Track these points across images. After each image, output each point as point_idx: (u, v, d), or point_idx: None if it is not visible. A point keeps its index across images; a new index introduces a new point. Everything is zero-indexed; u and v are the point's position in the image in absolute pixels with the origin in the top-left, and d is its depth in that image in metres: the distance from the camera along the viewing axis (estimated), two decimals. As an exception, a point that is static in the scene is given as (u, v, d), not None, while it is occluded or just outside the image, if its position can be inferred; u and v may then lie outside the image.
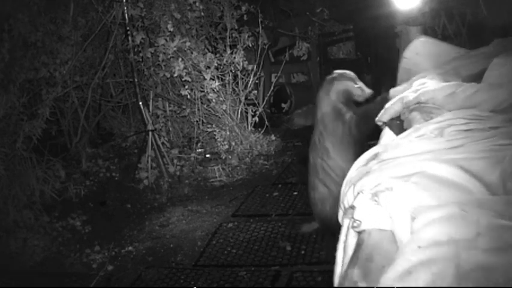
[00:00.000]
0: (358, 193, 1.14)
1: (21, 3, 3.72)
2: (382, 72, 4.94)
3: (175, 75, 4.03)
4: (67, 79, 4.12)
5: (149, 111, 4.22)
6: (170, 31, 4.01)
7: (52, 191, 3.70)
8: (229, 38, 4.52)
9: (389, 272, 0.83)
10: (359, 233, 1.08)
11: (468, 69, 2.28)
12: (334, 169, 2.46)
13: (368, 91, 2.54)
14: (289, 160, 4.39)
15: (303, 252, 2.68)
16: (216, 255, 2.79)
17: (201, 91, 4.27)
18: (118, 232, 3.23)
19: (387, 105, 2.14)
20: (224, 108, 4.43)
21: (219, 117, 4.47)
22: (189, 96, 4.26)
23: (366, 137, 2.44)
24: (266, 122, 4.87)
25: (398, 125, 1.99)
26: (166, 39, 4.00)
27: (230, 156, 4.36)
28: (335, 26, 5.97)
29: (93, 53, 4.39)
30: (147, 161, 3.97)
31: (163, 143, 4.21)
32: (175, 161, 4.21)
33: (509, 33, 2.47)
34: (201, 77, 4.18)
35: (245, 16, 4.55)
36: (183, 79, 4.10)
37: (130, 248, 3.01)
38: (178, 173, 4.12)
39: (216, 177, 4.14)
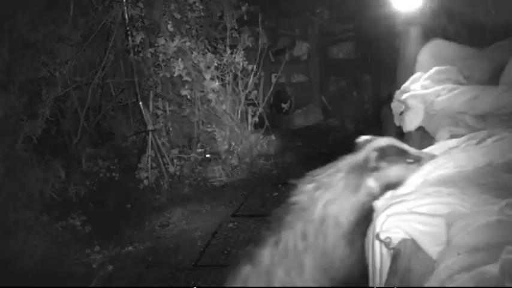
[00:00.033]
0: (388, 217, 1.16)
1: (21, 3, 3.71)
2: (382, 72, 4.93)
3: (175, 75, 4.03)
4: (67, 79, 4.12)
5: (149, 111, 4.22)
6: (170, 31, 4.01)
7: (52, 191, 3.69)
8: (229, 38, 4.52)
9: (432, 280, 0.84)
10: (392, 249, 1.10)
11: (481, 68, 2.29)
12: None
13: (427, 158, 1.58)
14: (289, 160, 4.39)
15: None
16: (216, 255, 2.79)
17: (201, 91, 4.26)
18: (118, 232, 3.23)
19: (411, 116, 2.15)
20: (224, 108, 4.43)
21: (219, 117, 4.47)
22: (189, 96, 4.26)
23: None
24: (266, 122, 4.87)
25: (419, 140, 2.01)
26: (166, 39, 4.00)
27: (230, 156, 4.36)
28: (335, 26, 5.97)
29: (93, 53, 4.39)
30: (147, 161, 3.97)
31: (163, 143, 4.21)
32: (175, 161, 4.21)
33: (510, 34, 2.46)
34: (201, 77, 4.18)
35: (245, 16, 4.55)
36: (183, 79, 4.09)
37: (130, 248, 3.01)
38: (178, 173, 4.12)
39: (216, 177, 4.14)
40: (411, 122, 2.21)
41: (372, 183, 1.50)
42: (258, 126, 4.84)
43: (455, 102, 1.95)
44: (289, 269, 1.52)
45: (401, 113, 2.40)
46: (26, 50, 3.76)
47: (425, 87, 2.26)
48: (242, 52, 4.46)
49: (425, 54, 2.62)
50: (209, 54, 4.23)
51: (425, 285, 0.87)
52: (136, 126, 4.79)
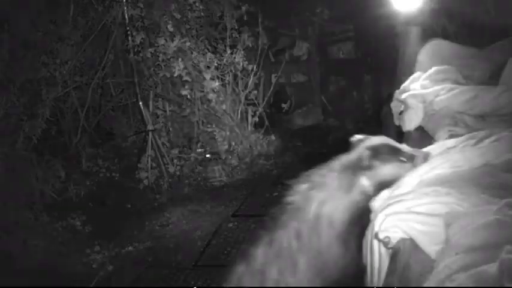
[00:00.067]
0: (386, 216, 1.17)
1: (21, 3, 3.71)
2: (382, 72, 4.93)
3: (175, 75, 4.03)
4: (67, 79, 4.11)
5: (149, 111, 4.22)
6: (170, 31, 4.01)
7: (52, 191, 3.69)
8: (229, 38, 4.52)
9: (431, 280, 0.84)
10: (391, 248, 1.10)
11: (481, 68, 2.29)
12: None
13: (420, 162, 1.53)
14: (289, 160, 4.39)
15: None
16: (216, 255, 2.79)
17: (201, 91, 4.26)
18: (118, 232, 3.23)
19: (411, 115, 2.15)
20: (224, 108, 4.43)
21: (219, 117, 4.47)
22: (189, 96, 4.26)
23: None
24: (266, 122, 4.87)
25: (418, 140, 2.01)
26: (166, 39, 4.00)
27: (230, 156, 4.36)
28: (335, 26, 5.97)
29: (93, 53, 4.39)
30: (147, 161, 3.97)
31: (163, 143, 4.21)
32: (175, 161, 4.21)
33: (509, 34, 2.47)
34: (201, 77, 4.17)
35: (245, 16, 4.54)
36: (183, 79, 4.09)
37: (130, 248, 3.01)
38: (178, 173, 4.12)
39: (216, 177, 4.14)
40: (410, 122, 2.21)
41: (365, 182, 1.51)
42: (258, 126, 4.84)
43: (454, 102, 1.96)
44: (283, 269, 1.52)
45: (400, 113, 2.41)
46: (26, 50, 3.76)
47: (424, 87, 2.27)
48: (242, 52, 4.46)
49: (424, 54, 2.63)
50: (209, 54, 4.23)
51: (424, 285, 0.87)
52: (136, 126, 4.79)
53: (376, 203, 1.37)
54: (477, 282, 0.79)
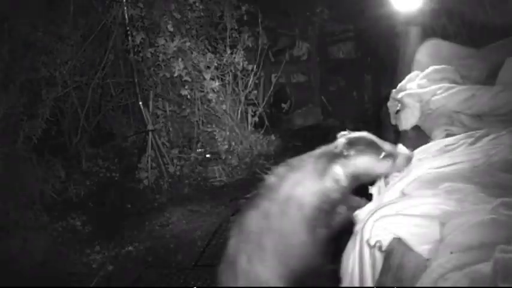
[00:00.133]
0: (375, 222, 1.18)
1: (21, 3, 3.71)
2: (382, 72, 4.93)
3: (175, 75, 4.03)
4: (67, 79, 4.12)
5: (149, 111, 4.22)
6: (170, 31, 4.01)
7: (52, 191, 3.69)
8: (229, 38, 4.52)
9: (425, 279, 0.84)
10: (384, 251, 1.10)
11: (479, 67, 2.29)
12: None
13: (401, 161, 1.51)
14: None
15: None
16: (216, 255, 2.79)
17: (201, 91, 4.26)
18: (118, 232, 3.23)
19: (407, 114, 2.15)
20: (224, 108, 4.43)
21: (219, 117, 4.47)
22: (189, 96, 4.26)
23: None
24: (266, 122, 4.87)
25: (414, 139, 2.00)
26: (166, 39, 4.00)
27: (230, 156, 4.36)
28: (335, 26, 5.97)
29: (93, 53, 4.39)
30: (147, 161, 3.97)
31: (163, 143, 4.21)
32: (175, 161, 4.21)
33: (509, 33, 2.47)
34: (201, 77, 4.18)
35: (245, 16, 4.54)
36: (183, 79, 4.09)
37: (130, 248, 3.01)
38: (178, 173, 4.12)
39: (216, 177, 4.14)
40: (407, 121, 2.21)
41: (338, 169, 1.51)
42: (258, 126, 4.85)
43: (451, 101, 1.95)
44: (251, 254, 1.51)
45: (397, 112, 2.41)
46: (26, 50, 3.76)
47: (421, 86, 2.27)
48: (242, 52, 4.46)
49: (422, 53, 2.63)
50: (209, 54, 4.22)
51: (418, 284, 0.87)
52: (136, 126, 4.79)
53: (360, 214, 1.36)
54: (471, 282, 0.78)
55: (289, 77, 6.23)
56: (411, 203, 1.18)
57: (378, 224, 1.15)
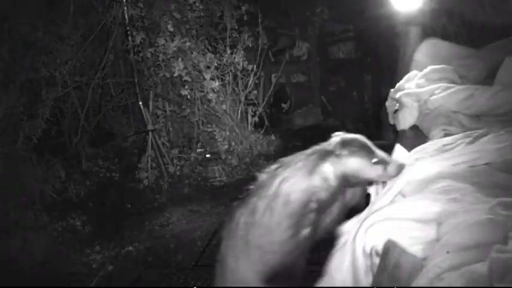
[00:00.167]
0: (366, 230, 1.17)
1: (21, 3, 3.71)
2: (382, 72, 4.93)
3: (175, 75, 4.03)
4: (67, 79, 4.12)
5: (149, 111, 4.22)
6: (170, 31, 4.01)
7: (52, 191, 3.69)
8: (229, 38, 4.52)
9: (420, 278, 0.84)
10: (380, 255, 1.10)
11: (477, 68, 2.29)
12: None
13: (392, 169, 1.48)
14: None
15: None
16: (216, 255, 2.79)
17: (201, 91, 4.27)
18: (118, 232, 3.23)
19: (406, 114, 2.15)
20: (224, 108, 4.43)
21: (219, 117, 4.47)
22: (189, 96, 4.26)
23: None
24: (266, 122, 4.87)
25: (412, 138, 2.00)
26: (166, 39, 4.00)
27: (230, 156, 4.36)
28: (335, 26, 5.97)
29: (93, 53, 4.39)
30: (147, 161, 3.97)
31: (163, 143, 4.21)
32: (175, 161, 4.21)
33: (509, 33, 2.47)
34: (201, 77, 4.18)
35: (245, 16, 4.55)
36: (183, 79, 4.09)
37: (130, 248, 3.01)
38: (178, 173, 4.12)
39: (216, 177, 4.14)
40: (405, 121, 2.21)
41: (327, 167, 1.49)
42: (258, 126, 4.85)
43: (449, 101, 1.95)
44: (238, 250, 1.51)
45: (395, 111, 2.41)
46: (26, 50, 3.76)
47: (419, 86, 2.27)
48: (242, 52, 4.46)
49: (421, 53, 2.63)
50: (209, 54, 4.23)
51: (413, 283, 0.87)
52: (136, 126, 4.79)
53: (345, 226, 1.35)
54: (467, 282, 0.78)
55: (289, 77, 6.23)
56: (403, 206, 1.18)
57: (370, 232, 1.15)
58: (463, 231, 0.93)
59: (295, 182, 1.48)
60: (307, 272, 1.50)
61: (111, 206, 3.68)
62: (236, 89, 4.68)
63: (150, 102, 4.35)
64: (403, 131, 2.23)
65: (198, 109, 4.39)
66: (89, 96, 4.36)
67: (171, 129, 4.61)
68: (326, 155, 1.51)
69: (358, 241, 1.17)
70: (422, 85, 2.26)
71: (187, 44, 4.03)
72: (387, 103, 2.55)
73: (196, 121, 4.47)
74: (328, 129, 5.32)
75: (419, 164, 1.44)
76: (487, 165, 1.32)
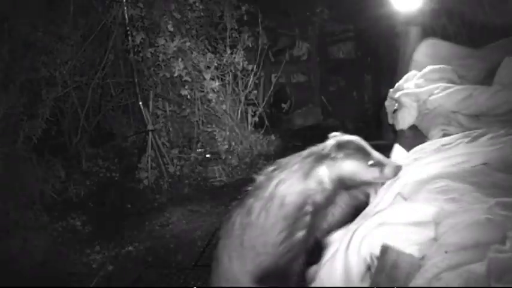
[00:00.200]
0: (363, 238, 1.17)
1: (21, 3, 3.71)
2: (382, 72, 4.93)
3: (175, 75, 4.03)
4: (67, 79, 4.12)
5: (149, 111, 4.22)
6: (170, 31, 4.01)
7: (52, 191, 3.69)
8: (229, 38, 4.52)
9: (418, 278, 0.84)
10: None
11: (477, 68, 2.29)
12: None
13: (389, 171, 1.47)
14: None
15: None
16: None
17: (201, 91, 4.26)
18: (118, 232, 3.23)
19: (405, 114, 2.15)
20: (224, 108, 4.43)
21: (219, 117, 4.47)
22: (189, 96, 4.26)
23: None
24: (266, 122, 4.87)
25: (411, 138, 2.00)
26: (166, 39, 4.00)
27: (230, 156, 4.36)
28: (335, 26, 5.97)
29: (93, 53, 4.39)
30: (147, 161, 3.97)
31: (163, 143, 4.21)
32: (175, 161, 4.21)
33: (509, 33, 2.47)
34: (201, 77, 4.18)
35: (245, 16, 4.55)
36: (183, 79, 4.09)
37: (130, 248, 3.01)
38: (178, 173, 4.12)
39: (216, 177, 4.13)
40: (404, 120, 2.21)
41: (323, 171, 1.48)
42: (258, 126, 4.85)
43: (448, 101, 1.95)
44: (232, 250, 1.52)
45: (394, 111, 2.41)
46: (26, 50, 3.76)
47: (419, 86, 2.27)
48: (242, 52, 4.46)
49: (420, 53, 2.63)
50: (209, 54, 4.23)
51: (411, 283, 0.87)
52: (136, 126, 4.79)
53: (334, 236, 1.35)
54: (465, 281, 0.78)
55: (289, 77, 6.23)
56: (400, 210, 1.18)
57: (368, 239, 1.14)
58: (462, 231, 0.93)
59: (291, 184, 1.48)
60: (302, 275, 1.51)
61: (111, 206, 3.68)
62: (236, 89, 4.68)
63: (150, 102, 4.35)
64: (402, 130, 2.24)
65: (198, 109, 4.39)
66: (89, 96, 4.36)
67: (171, 129, 4.61)
68: (322, 158, 1.50)
69: (352, 249, 1.17)
70: (421, 85, 2.26)
71: (187, 44, 4.03)
72: (386, 103, 2.55)
73: (196, 121, 4.47)
74: (328, 129, 5.27)
75: (418, 164, 1.44)
76: (485, 165, 1.32)
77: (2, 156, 3.37)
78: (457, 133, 1.70)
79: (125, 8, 3.91)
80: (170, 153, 4.22)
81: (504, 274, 0.76)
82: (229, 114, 4.50)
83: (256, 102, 4.91)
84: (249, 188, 1.59)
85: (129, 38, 3.99)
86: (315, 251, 1.52)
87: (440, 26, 2.97)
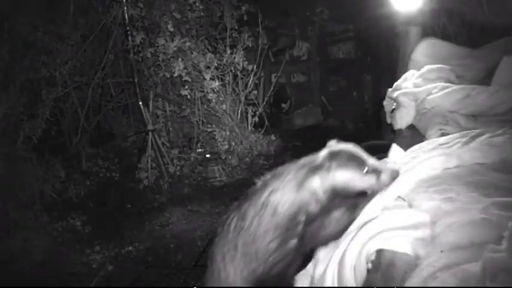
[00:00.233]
0: (362, 247, 1.17)
1: (21, 3, 3.71)
2: (382, 72, 4.93)
3: (175, 75, 4.03)
4: (67, 79, 4.12)
5: (149, 111, 4.22)
6: (170, 31, 4.01)
7: (52, 191, 3.69)
8: (229, 38, 4.52)
9: (414, 277, 0.84)
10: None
11: (475, 68, 2.29)
12: None
13: (385, 178, 1.45)
14: (289, 160, 4.39)
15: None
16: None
17: (201, 91, 4.27)
18: (118, 232, 3.23)
19: (403, 113, 2.15)
20: (224, 108, 4.43)
21: (219, 117, 4.47)
22: (189, 96, 4.26)
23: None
24: (266, 122, 4.87)
25: (409, 138, 2.00)
26: (166, 39, 4.00)
27: (230, 156, 4.36)
28: (335, 26, 5.97)
29: (93, 53, 4.39)
30: (147, 161, 3.97)
31: (163, 143, 4.21)
32: (175, 161, 4.21)
33: (509, 33, 2.47)
34: (201, 77, 4.18)
35: (245, 16, 4.55)
36: (183, 79, 4.09)
37: (130, 248, 3.01)
38: (178, 173, 4.12)
39: (216, 177, 4.14)
40: (402, 120, 2.21)
41: (316, 181, 1.47)
42: (258, 126, 4.85)
43: (446, 100, 1.95)
44: (226, 253, 1.52)
45: (392, 111, 2.41)
46: (26, 50, 3.76)
47: (417, 85, 2.27)
48: (242, 52, 4.46)
49: (419, 53, 2.63)
50: (209, 54, 4.23)
51: (407, 282, 0.87)
52: (136, 126, 4.79)
53: (320, 253, 1.34)
54: (460, 281, 0.78)
55: (289, 77, 6.23)
56: (395, 216, 1.18)
57: (364, 254, 1.14)
58: (457, 231, 0.93)
59: (284, 194, 1.47)
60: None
61: (111, 206, 3.68)
62: (236, 89, 4.68)
63: (150, 102, 4.35)
64: (400, 130, 2.24)
65: (198, 109, 4.39)
66: (89, 96, 4.36)
67: (171, 129, 4.61)
68: (315, 169, 1.49)
69: (349, 259, 1.17)
70: (419, 84, 2.26)
71: (187, 44, 4.04)
72: (385, 102, 2.55)
73: (196, 121, 4.47)
74: (328, 129, 5.34)
75: (415, 163, 1.44)
76: (482, 165, 1.32)
77: (2, 156, 3.37)
78: (455, 133, 1.70)
79: (125, 8, 3.91)
80: (170, 153, 4.22)
81: (499, 274, 0.76)
82: (229, 114, 4.50)
83: (256, 102, 4.91)
84: (248, 191, 1.60)
85: (129, 38, 3.99)
86: (310, 260, 1.53)
87: (440, 26, 2.97)
